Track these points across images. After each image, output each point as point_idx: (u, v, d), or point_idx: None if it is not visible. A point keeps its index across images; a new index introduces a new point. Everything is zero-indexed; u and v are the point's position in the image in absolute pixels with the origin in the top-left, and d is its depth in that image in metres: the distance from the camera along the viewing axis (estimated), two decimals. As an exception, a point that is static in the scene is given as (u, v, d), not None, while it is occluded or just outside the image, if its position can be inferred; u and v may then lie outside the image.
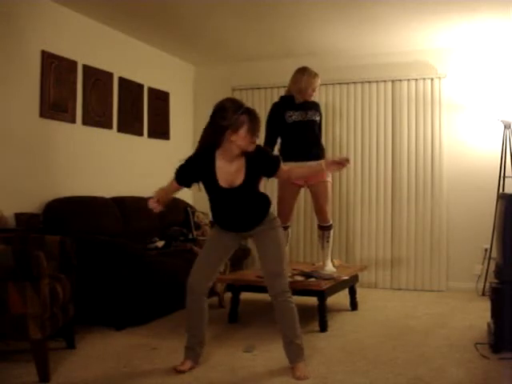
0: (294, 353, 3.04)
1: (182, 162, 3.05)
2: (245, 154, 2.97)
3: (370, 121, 5.94)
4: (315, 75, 4.46)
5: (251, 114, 2.90)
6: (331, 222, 4.62)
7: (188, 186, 3.10)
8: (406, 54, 5.81)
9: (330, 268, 4.50)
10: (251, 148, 2.94)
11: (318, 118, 4.54)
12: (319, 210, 4.55)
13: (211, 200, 3.09)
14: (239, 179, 2.99)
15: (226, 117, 2.87)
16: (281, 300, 3.03)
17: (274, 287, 3.03)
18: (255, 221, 3.08)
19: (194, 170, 3.02)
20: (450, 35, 5.31)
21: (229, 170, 2.98)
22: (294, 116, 4.45)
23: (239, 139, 2.89)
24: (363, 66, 5.98)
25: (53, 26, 4.53)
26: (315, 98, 4.64)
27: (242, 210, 3.05)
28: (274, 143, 4.56)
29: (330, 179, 4.51)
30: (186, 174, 3.05)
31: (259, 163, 3.02)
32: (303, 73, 4.44)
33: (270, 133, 4.51)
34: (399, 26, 5.07)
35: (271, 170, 3.08)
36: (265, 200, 3.13)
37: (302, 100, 4.46)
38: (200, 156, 3.01)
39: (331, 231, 4.62)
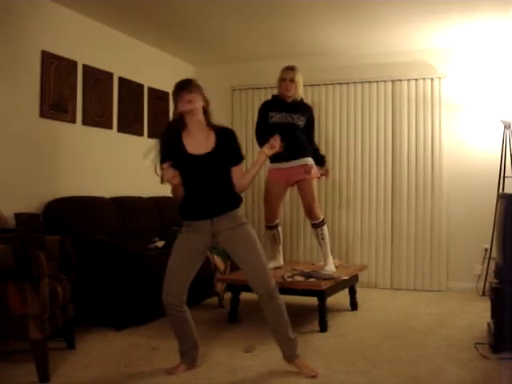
0: (292, 348, 3.05)
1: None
2: (215, 131, 3.03)
3: (370, 121, 5.94)
4: (289, 67, 4.48)
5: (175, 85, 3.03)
6: (322, 218, 4.60)
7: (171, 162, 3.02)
8: (406, 53, 5.80)
9: (330, 268, 4.48)
10: (184, 107, 2.96)
11: (301, 123, 4.52)
12: (306, 207, 4.60)
13: (184, 181, 3.00)
14: (208, 147, 2.99)
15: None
16: (270, 300, 2.98)
17: (260, 287, 2.98)
18: (227, 202, 3.02)
19: (167, 149, 3.03)
20: (450, 35, 5.31)
21: (196, 139, 3.01)
22: (275, 117, 4.49)
23: (179, 107, 2.99)
24: (363, 66, 5.98)
25: (53, 26, 4.53)
26: (308, 99, 4.68)
27: (213, 187, 3.00)
28: (263, 141, 4.59)
29: (313, 175, 4.52)
30: (164, 155, 3.03)
31: (227, 144, 3.03)
32: (282, 68, 4.53)
33: (257, 131, 4.62)
34: (399, 26, 5.07)
35: (233, 157, 3.04)
36: (235, 192, 3.08)
37: (289, 99, 4.48)
38: (165, 137, 3.07)
39: (324, 227, 4.60)
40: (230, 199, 3.05)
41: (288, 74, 4.45)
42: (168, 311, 3.04)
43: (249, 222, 3.12)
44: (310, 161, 4.54)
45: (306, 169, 4.48)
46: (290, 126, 4.45)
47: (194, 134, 3.02)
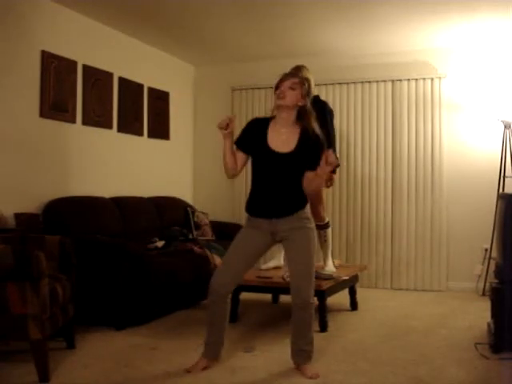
0: (302, 357, 3.03)
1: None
2: (301, 128, 2.97)
3: (370, 121, 5.94)
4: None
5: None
6: (327, 221, 4.62)
7: (244, 149, 3.03)
8: (406, 53, 5.81)
9: (330, 268, 4.49)
10: (278, 102, 2.93)
11: None
12: (312, 209, 4.55)
13: (254, 174, 3.00)
14: (290, 146, 2.94)
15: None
16: (301, 310, 2.96)
17: (297, 297, 2.95)
18: (290, 206, 2.96)
19: (249, 134, 3.03)
20: (450, 35, 5.31)
21: (279, 137, 2.96)
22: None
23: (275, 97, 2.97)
24: (363, 66, 5.98)
25: (53, 26, 4.53)
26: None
27: (281, 187, 2.95)
28: None
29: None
30: (243, 138, 3.03)
31: (308, 145, 2.95)
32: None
33: None
34: (399, 26, 5.07)
35: (312, 159, 2.91)
36: (303, 194, 3.01)
37: None
38: (255, 122, 3.08)
39: (328, 230, 4.62)
40: (295, 202, 2.98)
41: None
42: (210, 300, 3.00)
43: (314, 227, 3.06)
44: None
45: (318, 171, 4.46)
46: None
47: (279, 126, 2.99)
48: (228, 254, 3.04)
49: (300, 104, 2.97)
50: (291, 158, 2.93)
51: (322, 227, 4.59)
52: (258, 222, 2.99)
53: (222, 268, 3.02)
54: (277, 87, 2.97)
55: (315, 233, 3.11)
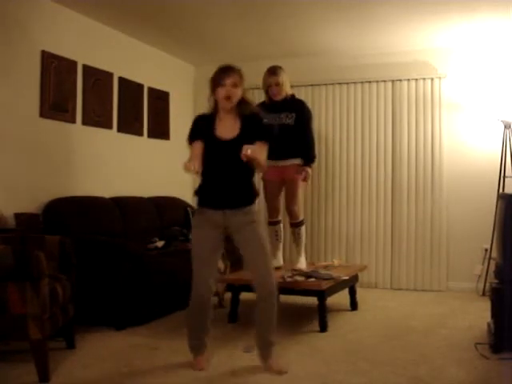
0: (270, 351, 3.05)
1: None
2: (241, 116, 3.03)
3: (370, 121, 5.94)
4: (271, 72, 4.41)
5: (219, 67, 3.05)
6: (301, 219, 4.62)
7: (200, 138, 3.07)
8: (406, 53, 5.81)
9: (301, 265, 4.52)
10: (224, 104, 2.99)
11: (290, 121, 4.42)
12: (287, 206, 4.62)
13: (205, 164, 2.98)
14: (233, 132, 3.00)
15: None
16: (268, 302, 2.99)
17: (263, 288, 2.99)
18: (241, 196, 3.02)
19: (198, 127, 3.09)
20: (450, 35, 5.31)
21: (225, 124, 3.03)
22: (265, 120, 4.40)
23: (216, 95, 3.01)
24: (363, 66, 5.98)
25: (53, 26, 4.53)
26: (308, 99, 4.61)
27: (231, 175, 3.00)
28: None
29: (309, 172, 4.49)
30: (195, 131, 3.08)
31: (250, 123, 3.03)
32: (265, 72, 4.47)
33: None
34: (399, 26, 5.07)
35: (257, 133, 3.02)
36: (253, 185, 3.11)
37: (276, 99, 4.43)
38: (201, 117, 3.13)
39: (302, 228, 4.63)
40: (247, 194, 3.05)
41: (272, 79, 4.40)
42: (194, 301, 3.07)
43: (262, 220, 3.13)
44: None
45: (299, 169, 4.47)
46: (280, 126, 4.32)
47: (223, 117, 3.05)
48: (196, 261, 3.06)
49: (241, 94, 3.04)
50: (237, 143, 2.91)
51: (296, 225, 4.62)
52: (210, 214, 3.02)
53: (199, 279, 3.05)
54: (217, 81, 3.00)
55: (266, 227, 3.19)
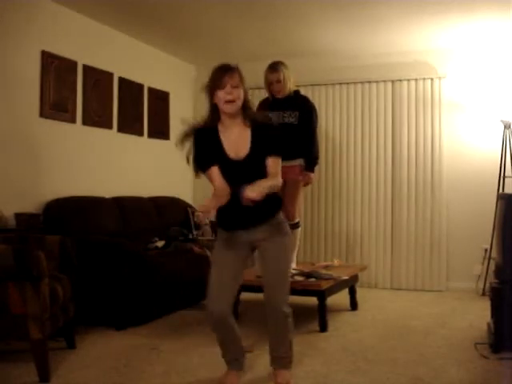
0: (281, 363, 2.89)
1: (190, 152, 2.71)
2: (251, 124, 2.67)
3: (370, 121, 5.94)
4: (272, 69, 4.29)
5: (216, 68, 2.64)
6: (297, 221, 4.47)
7: (212, 163, 2.67)
8: (406, 54, 5.81)
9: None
10: (226, 109, 2.60)
11: (293, 120, 4.29)
12: (285, 207, 4.48)
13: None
14: (244, 149, 2.65)
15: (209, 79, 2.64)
16: (272, 317, 2.80)
17: (272, 303, 2.78)
18: (263, 213, 2.69)
19: (203, 148, 2.68)
20: (450, 36, 5.31)
21: (233, 140, 2.66)
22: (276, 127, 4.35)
23: (216, 100, 2.61)
24: (363, 66, 5.98)
25: (53, 25, 4.53)
26: (309, 93, 4.54)
27: None
28: None
29: (312, 177, 4.43)
30: (202, 156, 2.68)
31: (263, 135, 2.66)
32: (267, 68, 4.35)
33: None
34: (399, 26, 5.07)
35: (271, 147, 2.66)
36: (275, 196, 2.75)
37: (279, 96, 4.33)
38: (201, 133, 2.70)
39: (296, 231, 4.47)
40: (268, 207, 2.70)
41: (273, 76, 4.28)
42: (213, 325, 2.79)
43: (287, 231, 2.82)
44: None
45: (302, 170, 4.37)
46: (282, 126, 4.18)
47: (228, 128, 2.68)
48: (215, 274, 2.74)
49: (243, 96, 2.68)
50: (249, 162, 2.65)
51: (291, 226, 4.49)
52: (234, 234, 2.75)
53: (216, 293, 2.71)
54: (216, 83, 2.60)
55: (291, 238, 2.92)
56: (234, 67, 2.67)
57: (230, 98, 2.58)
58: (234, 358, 2.88)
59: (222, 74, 2.61)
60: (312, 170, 4.40)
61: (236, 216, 2.69)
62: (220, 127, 2.69)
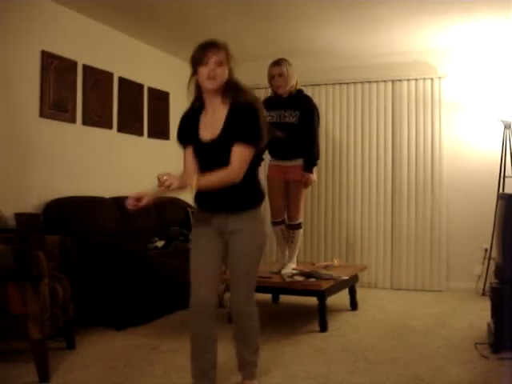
0: (248, 370, 2.75)
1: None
2: (230, 103, 2.49)
3: (370, 121, 5.94)
4: (275, 62, 4.28)
5: (201, 43, 2.50)
6: (299, 222, 4.44)
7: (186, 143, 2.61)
8: (406, 54, 5.81)
9: (288, 270, 4.29)
10: (207, 85, 2.46)
11: (293, 119, 4.25)
12: (288, 208, 4.44)
13: (198, 165, 2.56)
14: (215, 132, 2.47)
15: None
16: (238, 320, 2.66)
17: (233, 300, 2.65)
18: (239, 200, 2.52)
19: (185, 128, 2.63)
20: (450, 36, 5.31)
21: (209, 121, 2.52)
22: (269, 117, 4.21)
23: (198, 76, 2.50)
24: (363, 66, 5.98)
25: (53, 25, 4.53)
26: (309, 93, 4.54)
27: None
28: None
29: (312, 178, 4.36)
30: (182, 134, 2.63)
31: (237, 116, 2.45)
32: (270, 63, 4.33)
33: None
34: (399, 26, 5.07)
35: (239, 132, 2.43)
36: (253, 187, 2.59)
37: (284, 94, 4.30)
38: (187, 115, 2.66)
39: (298, 231, 4.45)
40: (244, 196, 2.54)
41: (275, 69, 4.25)
42: (195, 322, 2.59)
43: (261, 230, 2.64)
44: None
45: (303, 174, 4.32)
46: (283, 125, 4.22)
47: (209, 109, 2.55)
48: (196, 262, 2.61)
49: (228, 76, 2.52)
50: (218, 145, 2.45)
51: (293, 227, 4.44)
52: (208, 216, 2.57)
53: (198, 281, 2.56)
54: (199, 59, 2.48)
55: (265, 239, 2.71)
56: (221, 44, 2.50)
57: (211, 74, 2.44)
58: (204, 373, 2.57)
59: (205, 50, 2.47)
60: (311, 171, 4.35)
61: (212, 197, 2.52)
62: (205, 107, 2.56)
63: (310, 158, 4.36)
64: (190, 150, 2.58)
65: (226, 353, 3.40)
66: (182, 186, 2.43)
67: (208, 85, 2.47)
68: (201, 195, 2.57)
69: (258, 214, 2.62)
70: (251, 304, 2.65)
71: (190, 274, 2.61)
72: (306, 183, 4.38)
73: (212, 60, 2.45)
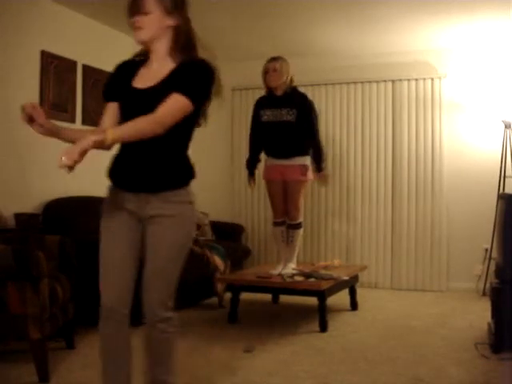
0: None
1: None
2: (181, 59, 2.14)
3: (370, 121, 5.94)
4: (272, 58, 4.29)
5: None
6: (299, 221, 4.43)
7: (115, 99, 2.29)
8: (406, 53, 5.80)
9: (288, 270, 4.27)
10: (136, 38, 2.14)
11: (291, 117, 4.23)
12: (287, 208, 4.43)
13: (120, 123, 2.22)
14: (154, 81, 2.08)
15: None
16: (152, 319, 2.16)
17: (146, 301, 2.15)
18: (164, 176, 2.09)
19: (116, 79, 2.27)
20: (450, 35, 5.31)
21: (148, 73, 2.14)
22: (264, 116, 4.33)
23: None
24: (363, 66, 5.98)
25: (53, 25, 4.53)
26: (309, 93, 4.55)
27: (148, 143, 2.00)
28: (256, 145, 4.51)
29: (308, 178, 4.39)
30: (110, 86, 2.34)
31: (182, 71, 2.08)
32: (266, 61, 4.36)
33: (250, 133, 4.54)
34: (399, 26, 5.07)
35: (180, 83, 2.02)
36: (183, 162, 2.16)
37: (278, 91, 4.29)
38: (124, 64, 2.30)
39: (297, 231, 4.42)
40: (171, 170, 2.11)
41: (271, 64, 4.25)
42: (105, 329, 2.29)
43: (190, 215, 2.16)
44: (307, 160, 4.37)
45: (303, 170, 4.33)
46: (279, 123, 4.23)
47: (149, 63, 2.19)
48: (106, 256, 2.23)
49: (169, 24, 2.12)
50: (150, 94, 2.05)
51: (293, 226, 4.41)
52: (121, 196, 2.22)
53: (108, 281, 2.22)
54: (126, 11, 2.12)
55: (194, 226, 2.29)
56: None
57: (136, 24, 2.08)
58: None
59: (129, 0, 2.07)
60: (323, 169, 4.41)
61: (130, 170, 2.16)
62: (149, 61, 2.19)
63: (320, 158, 4.39)
64: (113, 106, 2.24)
65: (226, 352, 3.40)
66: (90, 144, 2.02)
67: (135, 37, 2.12)
68: (116, 168, 2.22)
69: (186, 195, 2.13)
70: (168, 308, 2.14)
71: (99, 272, 2.20)
72: (324, 182, 4.50)
73: (134, 10, 2.07)
